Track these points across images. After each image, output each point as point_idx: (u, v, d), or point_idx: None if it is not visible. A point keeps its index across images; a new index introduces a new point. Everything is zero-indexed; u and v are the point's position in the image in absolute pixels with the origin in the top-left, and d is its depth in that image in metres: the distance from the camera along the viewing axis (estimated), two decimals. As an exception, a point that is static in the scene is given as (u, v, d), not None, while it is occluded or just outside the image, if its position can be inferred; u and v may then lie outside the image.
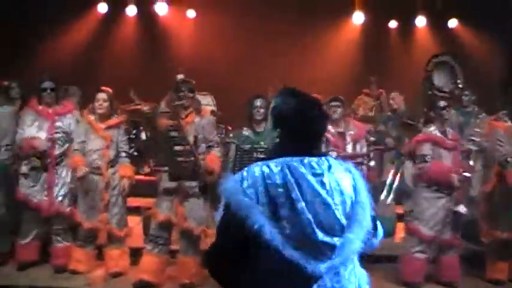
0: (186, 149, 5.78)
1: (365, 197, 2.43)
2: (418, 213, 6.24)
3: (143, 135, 8.43)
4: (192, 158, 5.77)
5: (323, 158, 2.40)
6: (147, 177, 6.35)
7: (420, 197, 6.27)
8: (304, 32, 11.48)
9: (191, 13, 12.48)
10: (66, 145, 6.47)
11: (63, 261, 6.39)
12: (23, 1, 10.94)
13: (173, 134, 5.85)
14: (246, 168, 2.35)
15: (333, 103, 6.51)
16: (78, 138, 6.34)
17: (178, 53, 11.77)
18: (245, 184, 2.29)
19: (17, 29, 10.92)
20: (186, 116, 5.96)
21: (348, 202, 2.36)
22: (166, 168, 5.89)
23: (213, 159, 5.89)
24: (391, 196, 7.24)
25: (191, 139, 5.85)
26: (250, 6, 11.45)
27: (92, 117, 6.37)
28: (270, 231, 2.20)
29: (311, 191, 2.27)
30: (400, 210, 7.65)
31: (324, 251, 2.26)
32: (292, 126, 2.42)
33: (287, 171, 2.28)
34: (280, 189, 2.26)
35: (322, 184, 2.31)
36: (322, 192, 2.29)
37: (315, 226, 2.23)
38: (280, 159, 2.33)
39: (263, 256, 2.23)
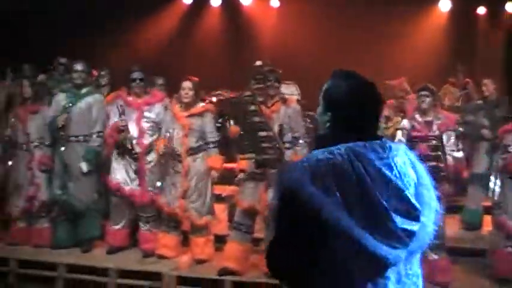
0: (269, 134, 5.81)
1: (426, 177, 2.28)
2: (505, 206, 5.99)
3: (229, 124, 8.52)
4: (276, 145, 5.80)
5: (383, 141, 2.23)
6: (234, 166, 6.41)
7: (506, 188, 6.02)
8: (389, 19, 11.25)
9: (275, 2, 12.50)
10: (156, 135, 6.64)
11: (150, 246, 6.58)
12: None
13: (256, 119, 5.89)
14: (304, 158, 2.19)
15: (422, 92, 6.19)
16: (165, 127, 6.50)
17: (262, 42, 11.83)
18: (309, 174, 2.10)
19: (105, 19, 11.25)
20: (272, 105, 5.99)
21: (412, 184, 2.22)
22: (251, 155, 5.93)
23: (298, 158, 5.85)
24: (491, 189, 7.00)
25: (276, 128, 5.87)
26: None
27: (177, 106, 6.50)
28: (348, 224, 2.05)
29: (381, 177, 2.11)
30: (487, 202, 7.45)
31: (402, 238, 2.11)
32: (343, 109, 2.25)
33: (353, 157, 2.11)
34: (350, 178, 2.08)
35: (390, 168, 2.15)
36: (392, 176, 2.13)
37: (392, 213, 2.09)
38: (343, 145, 2.14)
39: (340, 248, 2.09)
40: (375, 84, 2.33)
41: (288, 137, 5.94)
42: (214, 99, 9.06)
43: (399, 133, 6.15)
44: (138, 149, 6.59)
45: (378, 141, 2.21)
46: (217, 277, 6.00)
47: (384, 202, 2.09)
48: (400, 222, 2.10)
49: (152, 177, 6.63)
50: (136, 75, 6.68)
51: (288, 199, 2.14)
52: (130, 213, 6.76)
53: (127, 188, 6.58)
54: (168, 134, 6.41)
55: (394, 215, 2.09)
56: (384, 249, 2.08)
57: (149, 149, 6.63)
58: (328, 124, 2.29)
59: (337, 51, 10.99)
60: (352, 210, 2.07)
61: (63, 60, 8.01)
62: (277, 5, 12.52)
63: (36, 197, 6.96)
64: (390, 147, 2.22)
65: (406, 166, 2.23)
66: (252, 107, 5.93)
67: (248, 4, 12.33)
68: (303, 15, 11.70)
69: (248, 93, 6.15)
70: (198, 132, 6.40)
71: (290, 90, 8.24)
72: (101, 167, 6.89)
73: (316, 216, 2.06)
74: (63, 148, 6.75)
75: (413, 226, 2.14)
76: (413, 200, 2.16)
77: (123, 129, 6.52)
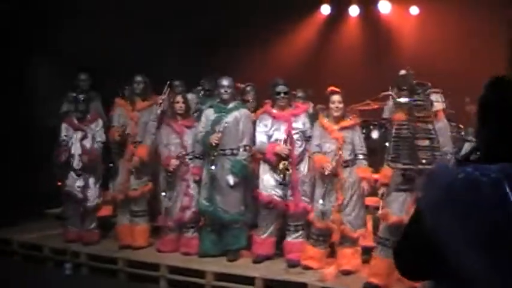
0: (433, 145, 5.63)
1: None
2: None
3: (374, 135, 8.44)
4: (434, 157, 5.61)
5: None
6: (377, 177, 6.33)
7: None
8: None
9: (414, 10, 12.22)
10: (304, 144, 6.75)
11: (296, 257, 6.64)
12: (248, 6, 11.51)
13: (421, 126, 5.71)
14: (450, 171, 1.83)
15: None
16: (315, 141, 6.54)
17: (402, 51, 11.59)
18: (446, 195, 1.76)
19: (244, 34, 11.52)
20: (420, 118, 5.86)
21: None
22: (400, 166, 5.79)
23: None
24: None
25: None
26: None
27: (325, 120, 6.54)
28: (477, 270, 1.70)
29: None
30: None
31: None
32: (501, 119, 1.89)
33: (506, 185, 1.67)
34: (493, 211, 1.66)
35: None
36: None
37: None
38: (497, 167, 1.72)
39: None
40: None
41: None
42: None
43: None
44: (290, 159, 6.69)
45: None
46: (362, 291, 5.95)
47: None
48: None
49: (303, 187, 6.71)
50: (281, 88, 6.81)
51: (419, 216, 1.91)
52: (276, 223, 6.87)
53: (280, 200, 6.69)
54: (316, 149, 6.49)
55: None
56: None
57: (299, 159, 6.74)
58: (487, 140, 1.94)
59: (481, 57, 10.55)
60: (488, 254, 1.69)
61: (204, 82, 8.32)
62: (417, 12, 12.23)
63: (189, 207, 7.26)
64: None
65: None
66: (422, 113, 5.76)
67: (387, 13, 12.15)
68: (443, 21, 11.33)
69: (420, 98, 5.96)
70: (350, 144, 6.40)
71: (434, 98, 7.99)
72: (248, 180, 7.06)
73: (441, 248, 1.79)
74: (213, 167, 6.95)
75: None
76: None
77: (285, 157, 6.65)
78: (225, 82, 7.08)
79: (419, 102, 5.81)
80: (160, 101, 7.81)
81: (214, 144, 6.90)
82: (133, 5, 10.48)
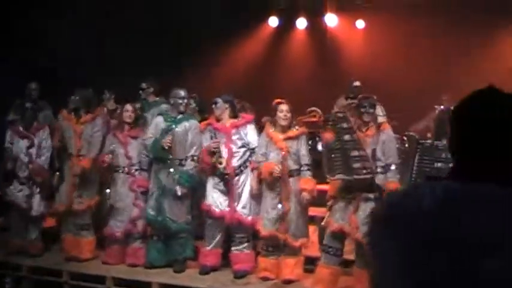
0: (361, 154, 5.77)
1: None
2: None
3: (320, 146, 8.50)
4: (369, 167, 5.75)
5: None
6: (326, 187, 6.42)
7: None
8: (487, 34, 10.75)
9: (360, 24, 12.44)
10: (246, 156, 6.77)
11: (242, 267, 6.68)
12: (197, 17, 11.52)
13: (347, 137, 5.86)
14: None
15: None
16: (260, 150, 6.60)
17: (348, 63, 11.78)
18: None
19: (190, 46, 11.53)
20: (366, 130, 5.97)
21: None
22: (341, 176, 5.92)
23: (392, 185, 5.77)
24: None
25: (369, 152, 5.83)
26: (421, 14, 11.10)
27: (271, 130, 6.59)
28: None
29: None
30: None
31: None
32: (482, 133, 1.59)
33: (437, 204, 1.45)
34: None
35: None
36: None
37: None
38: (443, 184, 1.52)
39: None
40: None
41: (381, 162, 5.90)
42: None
43: None
44: (227, 171, 6.71)
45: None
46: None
47: None
48: None
49: (243, 198, 6.73)
50: (214, 100, 6.93)
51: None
52: (222, 234, 6.88)
53: (217, 210, 6.71)
54: (261, 158, 6.53)
55: None
56: None
57: (238, 170, 6.75)
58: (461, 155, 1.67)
59: (427, 70, 10.78)
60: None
61: (143, 85, 8.29)
62: (363, 26, 12.44)
63: (139, 218, 7.21)
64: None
65: None
66: (344, 125, 5.90)
67: (333, 25, 12.33)
68: (388, 35, 11.55)
69: (340, 110, 6.12)
70: (295, 155, 6.46)
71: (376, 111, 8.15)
72: (195, 190, 7.06)
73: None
74: (171, 169, 6.91)
75: None
76: None
77: (215, 151, 6.68)
78: (182, 93, 7.08)
79: (339, 115, 5.97)
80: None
81: (166, 147, 6.87)
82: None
